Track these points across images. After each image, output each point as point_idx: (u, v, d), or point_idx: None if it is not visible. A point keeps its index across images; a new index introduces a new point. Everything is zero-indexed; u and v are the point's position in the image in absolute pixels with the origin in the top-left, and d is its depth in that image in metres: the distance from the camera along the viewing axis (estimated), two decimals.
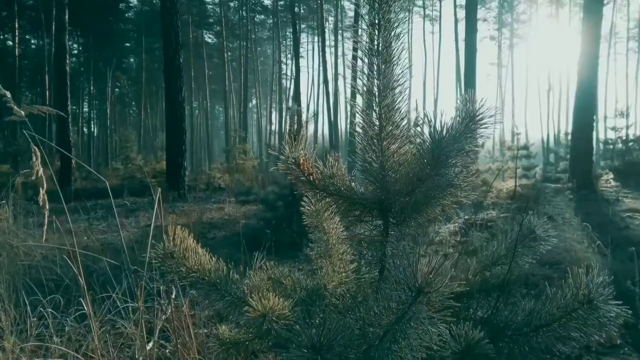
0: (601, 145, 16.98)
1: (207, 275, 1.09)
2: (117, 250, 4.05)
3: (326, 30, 34.74)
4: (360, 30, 1.15)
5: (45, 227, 1.12)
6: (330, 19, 41.13)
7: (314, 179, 1.13)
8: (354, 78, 1.17)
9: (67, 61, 11.88)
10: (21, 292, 2.42)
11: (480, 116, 1.16)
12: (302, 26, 40.95)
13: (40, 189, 1.12)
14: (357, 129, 1.15)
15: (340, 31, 41.30)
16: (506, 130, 40.63)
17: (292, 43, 33.93)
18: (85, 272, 3.28)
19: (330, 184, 1.14)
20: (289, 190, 5.21)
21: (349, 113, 35.31)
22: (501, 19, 42.72)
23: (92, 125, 41.45)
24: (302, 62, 45.51)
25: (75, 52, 35.07)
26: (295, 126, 5.15)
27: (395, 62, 1.12)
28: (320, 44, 32.50)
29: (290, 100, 39.08)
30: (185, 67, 11.18)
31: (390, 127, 1.12)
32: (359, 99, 1.23)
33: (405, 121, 1.12)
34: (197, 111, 45.28)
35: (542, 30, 52.33)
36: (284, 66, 44.72)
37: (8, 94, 1.16)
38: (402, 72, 1.12)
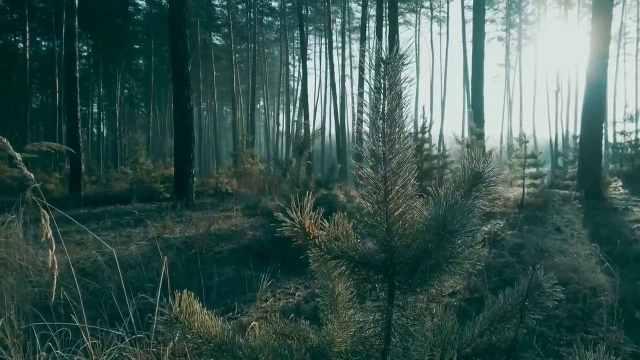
0: (610, 150, 16.85)
1: (213, 339, 1.10)
2: (125, 267, 4.08)
3: (333, 32, 34.76)
4: (366, 93, 1.15)
5: (53, 296, 1.14)
6: (338, 20, 41.15)
7: (319, 241, 1.14)
8: (359, 140, 1.18)
9: (77, 67, 11.99)
10: (30, 319, 2.45)
11: (485, 176, 1.17)
12: (310, 28, 41.00)
13: (50, 250, 1.13)
14: (362, 191, 1.15)
15: (347, 32, 41.29)
16: (514, 131, 40.42)
17: (299, 45, 33.97)
18: (91, 295, 3.31)
19: (335, 246, 1.15)
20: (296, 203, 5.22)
21: (356, 115, 35.33)
22: (509, 20, 42.49)
23: (102, 126, 41.80)
24: (310, 64, 45.59)
25: (85, 54, 35.41)
26: (302, 140, 5.17)
27: (400, 126, 1.12)
28: (327, 45, 32.55)
29: (298, 102, 39.11)
30: (193, 68, 11.25)
31: (397, 188, 1.13)
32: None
33: (410, 185, 1.12)
34: (205, 112, 45.51)
35: (550, 31, 51.94)
36: (291, 68, 44.86)
37: (19, 155, 1.18)
38: (407, 137, 1.12)
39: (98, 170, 24.40)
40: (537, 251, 4.84)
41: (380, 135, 1.12)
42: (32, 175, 1.20)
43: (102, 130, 41.58)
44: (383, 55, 1.08)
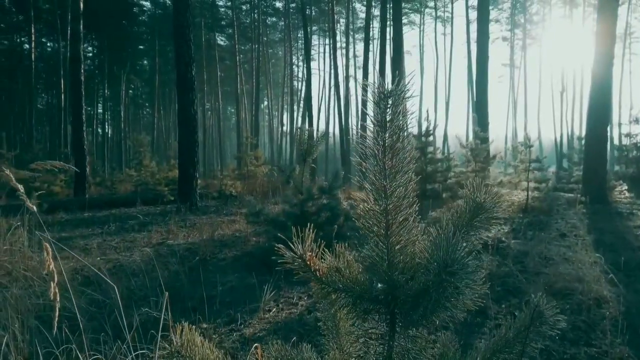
0: (615, 152, 16.74)
1: None
2: (128, 277, 4.09)
3: (337, 32, 34.75)
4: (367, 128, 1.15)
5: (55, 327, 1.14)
6: (342, 20, 41.10)
7: (320, 274, 1.14)
8: (362, 173, 1.17)
9: (82, 71, 12.05)
10: (35, 333, 2.46)
11: (487, 207, 1.17)
12: (314, 28, 41.00)
13: (52, 282, 1.14)
14: (363, 222, 1.15)
15: (351, 33, 41.21)
16: (519, 131, 40.29)
17: (303, 45, 33.99)
18: (95, 307, 3.31)
19: (337, 278, 1.15)
20: (299, 209, 5.23)
21: (359, 115, 35.38)
22: (514, 20, 42.31)
23: (106, 127, 42.01)
24: (314, 64, 45.61)
25: (90, 55, 35.54)
26: (306, 146, 5.18)
27: (400, 161, 1.12)
28: (331, 46, 32.52)
29: (302, 103, 39.14)
30: (197, 69, 11.29)
31: (398, 221, 1.12)
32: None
33: (412, 218, 1.12)
34: (209, 113, 45.61)
35: (555, 31, 51.66)
36: (295, 68, 44.84)
37: (21, 187, 1.18)
38: (408, 170, 1.12)
39: (103, 172, 24.53)
40: (541, 259, 4.81)
41: (381, 168, 1.12)
42: (34, 208, 1.21)
43: (106, 130, 41.81)
44: (385, 91, 1.08)
